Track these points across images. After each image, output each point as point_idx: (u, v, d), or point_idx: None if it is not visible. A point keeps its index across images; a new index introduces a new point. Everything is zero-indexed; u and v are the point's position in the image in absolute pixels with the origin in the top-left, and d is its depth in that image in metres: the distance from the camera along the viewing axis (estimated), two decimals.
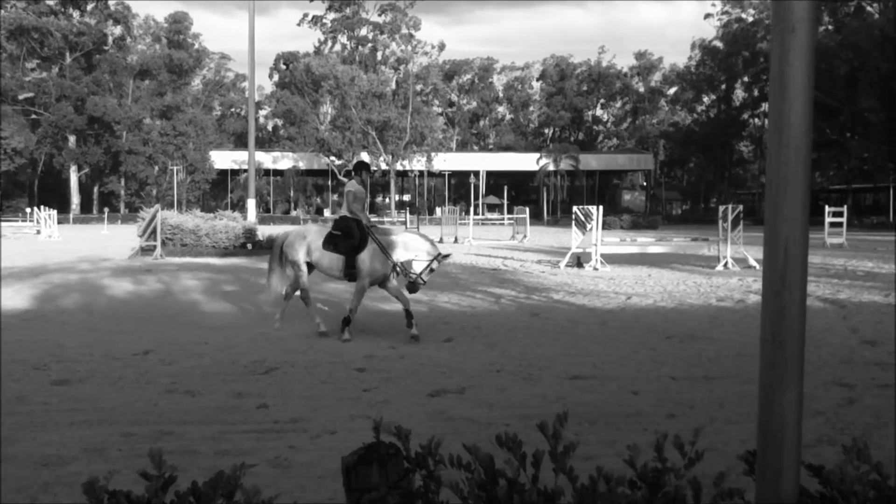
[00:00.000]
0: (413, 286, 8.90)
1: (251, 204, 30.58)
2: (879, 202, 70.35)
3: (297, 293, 9.66)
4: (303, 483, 3.96)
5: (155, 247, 21.27)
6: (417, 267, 8.85)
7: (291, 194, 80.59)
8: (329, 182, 78.17)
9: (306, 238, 9.35)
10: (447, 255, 9.37)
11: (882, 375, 6.83)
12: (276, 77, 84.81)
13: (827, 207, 30.49)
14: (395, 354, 7.80)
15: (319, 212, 74.54)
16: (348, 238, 8.98)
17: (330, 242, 9.13)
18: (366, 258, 8.91)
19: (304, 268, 9.36)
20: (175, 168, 69.96)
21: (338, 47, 78.02)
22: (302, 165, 76.36)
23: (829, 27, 63.78)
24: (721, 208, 19.97)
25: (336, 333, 9.01)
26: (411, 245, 8.97)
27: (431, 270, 8.98)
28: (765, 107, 77.95)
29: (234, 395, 6.00)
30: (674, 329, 9.59)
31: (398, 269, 8.99)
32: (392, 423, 2.04)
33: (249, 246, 23.37)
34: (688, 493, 1.47)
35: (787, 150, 1.46)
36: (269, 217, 62.83)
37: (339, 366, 7.19)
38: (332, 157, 71.88)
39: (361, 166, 9.55)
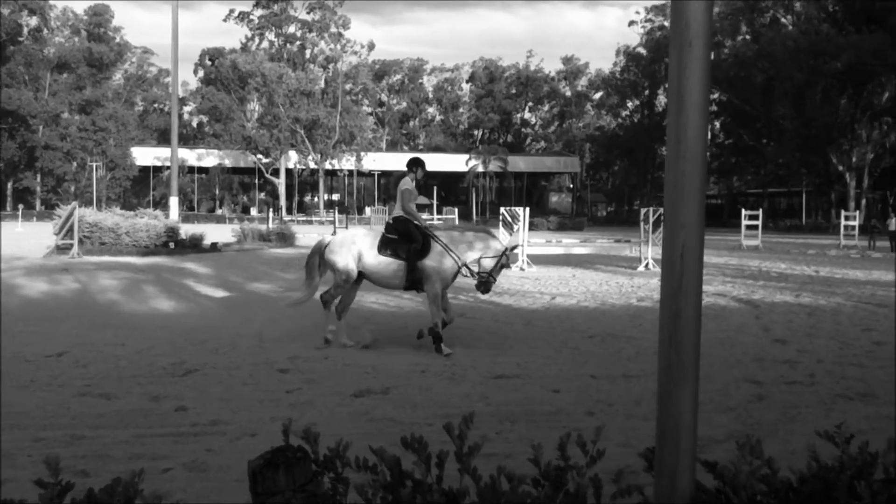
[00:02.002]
0: (485, 285, 8.31)
1: (174, 202, 29.86)
2: (793, 206, 73.33)
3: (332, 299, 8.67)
4: (218, 486, 3.90)
5: (72, 245, 20.53)
6: (487, 265, 8.24)
7: (217, 192, 78.94)
8: (256, 180, 76.85)
9: (356, 243, 8.39)
10: (515, 246, 8.81)
11: (790, 373, 7.13)
12: (201, 73, 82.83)
13: (744, 211, 31.61)
14: (319, 355, 7.74)
15: (246, 210, 73.19)
16: (409, 241, 8.15)
17: (387, 247, 8.25)
18: (433, 262, 8.12)
19: (355, 276, 8.40)
20: (94, 164, 67.60)
21: (265, 44, 76.69)
22: (228, 163, 74.85)
23: (747, 37, 66.19)
24: (643, 211, 20.51)
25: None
26: (477, 243, 8.30)
27: (503, 266, 8.41)
28: None
29: (150, 397, 5.86)
30: (596, 328, 9.80)
31: (466, 269, 8.29)
32: (311, 425, 2.03)
33: (172, 245, 22.82)
34: (589, 491, 1.52)
35: (684, 161, 1.53)
36: (193, 215, 61.37)
37: (261, 367, 7.09)
38: (259, 156, 70.71)
39: (417, 163, 8.71)
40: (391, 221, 8.50)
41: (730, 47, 67.62)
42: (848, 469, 1.57)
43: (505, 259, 8.35)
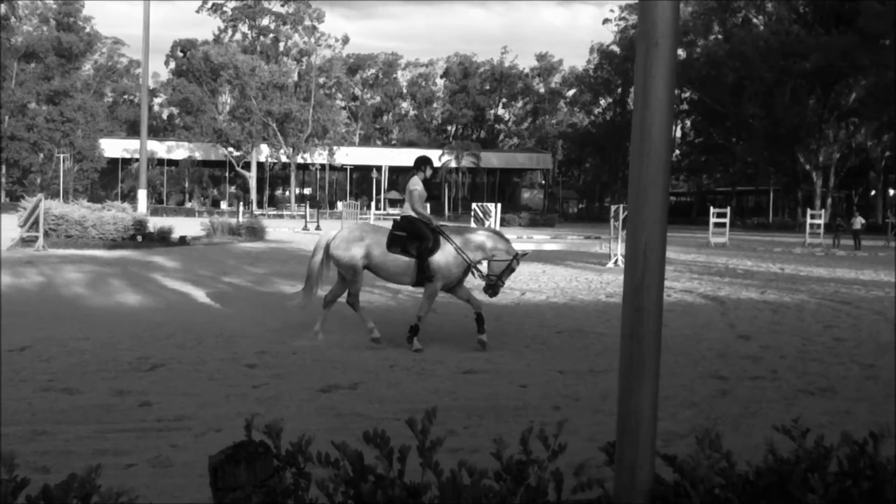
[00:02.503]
0: (493, 289, 8.29)
1: (142, 195, 29.54)
2: (761, 204, 74.38)
3: (341, 298, 8.58)
4: (182, 483, 3.87)
5: (37, 238, 20.18)
6: (496, 267, 8.21)
7: (186, 185, 78.10)
8: (226, 173, 76.17)
9: (364, 239, 8.23)
10: (526, 253, 8.69)
11: (754, 368, 7.24)
12: (172, 64, 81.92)
13: (712, 209, 32.00)
14: (287, 350, 7.70)
15: (216, 204, 72.48)
16: (420, 240, 8.05)
17: (396, 244, 8.11)
18: (441, 261, 8.03)
19: (362, 272, 8.30)
20: (62, 156, 66.44)
21: (238, 36, 75.93)
22: (198, 156, 74.10)
23: (719, 36, 66.93)
24: (613, 208, 20.67)
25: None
26: (488, 245, 8.18)
27: (512, 270, 8.35)
28: None
29: (114, 392, 5.79)
30: (564, 324, 9.87)
31: (475, 271, 8.23)
32: (277, 420, 2.01)
33: (139, 238, 22.55)
34: (550, 485, 1.53)
35: (648, 159, 1.54)
36: (161, 208, 60.67)
37: (228, 362, 7.04)
38: (231, 149, 70.03)
39: (425, 161, 8.58)
40: (398, 220, 8.38)
41: (702, 46, 68.36)
42: (803, 462, 1.60)
43: (515, 263, 8.29)
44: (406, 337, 7.99)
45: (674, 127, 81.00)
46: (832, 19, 54.60)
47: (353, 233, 8.44)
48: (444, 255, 8.06)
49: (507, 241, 8.42)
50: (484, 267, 8.48)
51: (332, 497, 1.39)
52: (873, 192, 67.28)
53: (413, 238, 8.09)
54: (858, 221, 32.38)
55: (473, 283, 9.13)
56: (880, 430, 1.69)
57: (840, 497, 1.52)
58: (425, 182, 8.48)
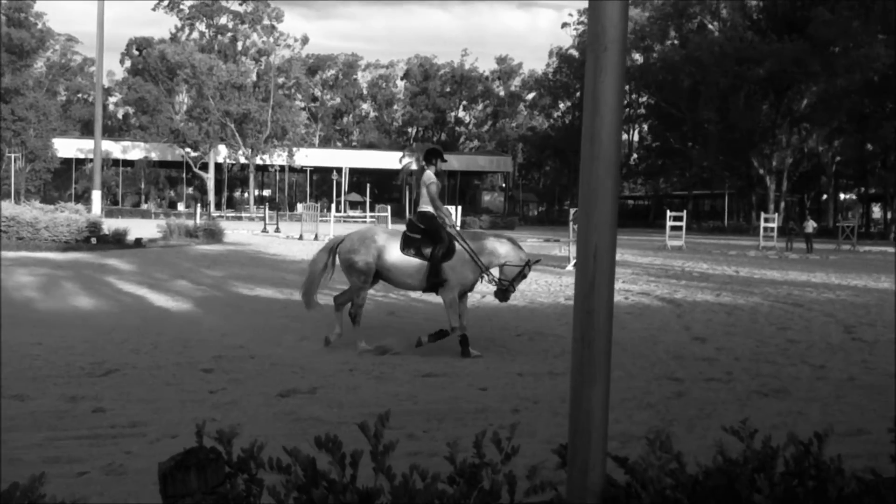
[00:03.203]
0: (504, 294, 8.12)
1: (97, 196, 28.98)
2: (716, 207, 75.68)
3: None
4: (136, 490, 3.80)
5: None
6: (509, 273, 8.05)
7: (142, 186, 76.80)
8: (184, 175, 75.07)
9: (376, 241, 7.95)
10: (538, 260, 8.57)
11: (709, 370, 7.36)
12: (128, 63, 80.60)
13: (668, 212, 32.47)
14: (244, 354, 7.62)
15: (173, 205, 71.39)
16: (436, 241, 7.78)
17: (410, 246, 7.84)
18: (456, 266, 7.80)
19: (373, 275, 8.00)
20: (13, 155, 64.84)
21: (196, 35, 74.96)
22: (154, 156, 72.90)
23: (675, 42, 68.00)
24: (572, 211, 20.85)
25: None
26: (500, 251, 8.04)
27: (524, 276, 8.25)
28: None
29: (67, 398, 5.66)
30: (524, 326, 9.92)
31: (488, 276, 8.05)
32: (234, 426, 1.99)
33: (93, 240, 22.13)
34: (503, 487, 1.54)
35: (598, 163, 1.56)
36: (117, 210, 59.61)
37: (184, 367, 6.94)
38: (188, 149, 69.04)
39: (436, 154, 8.33)
40: (414, 218, 8.11)
41: (658, 52, 69.37)
42: (750, 463, 1.64)
43: (527, 269, 8.22)
44: (460, 353, 7.79)
45: (631, 131, 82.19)
46: (784, 27, 55.84)
47: (366, 235, 8.19)
48: (459, 260, 7.85)
49: (520, 247, 8.34)
50: (494, 272, 8.31)
51: (284, 503, 1.38)
52: (825, 197, 68.98)
53: (428, 240, 7.86)
54: (810, 225, 33.14)
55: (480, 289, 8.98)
56: (824, 431, 1.73)
57: (785, 496, 1.55)
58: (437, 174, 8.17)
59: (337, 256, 8.19)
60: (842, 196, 70.77)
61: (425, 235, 7.87)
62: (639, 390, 6.40)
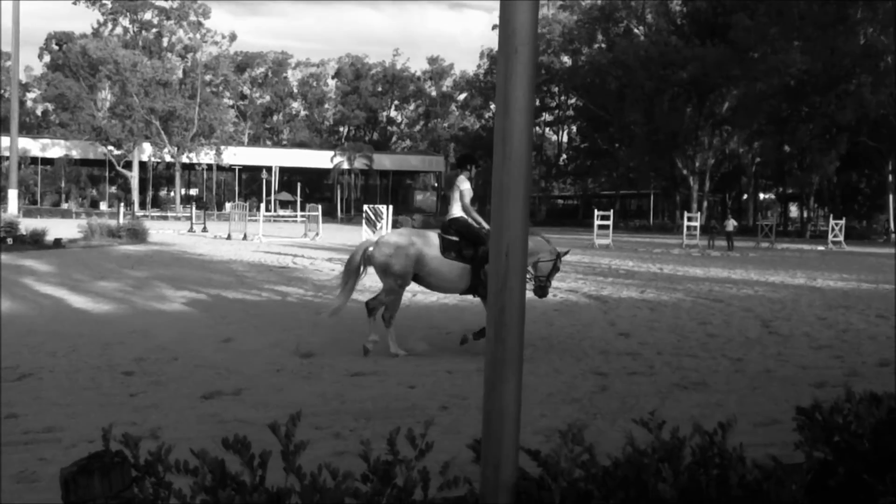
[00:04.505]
0: (543, 291, 8.19)
1: (13, 195, 27.86)
2: (642, 207, 77.50)
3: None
4: (50, 497, 3.67)
5: None
6: (543, 269, 8.09)
7: (63, 185, 74.10)
8: (106, 173, 72.78)
9: (414, 244, 7.78)
10: (566, 252, 8.61)
11: (632, 364, 7.54)
12: (47, 58, 77.68)
13: (597, 211, 33.11)
14: (167, 356, 7.44)
15: (95, 205, 69.15)
16: (476, 245, 7.65)
17: (451, 249, 7.72)
18: None
19: (409, 281, 7.88)
20: None
21: (119, 30, 72.76)
22: (76, 154, 70.47)
23: (603, 45, 69.37)
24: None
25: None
26: (533, 248, 7.91)
27: (557, 270, 8.30)
28: (545, 116, 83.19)
29: None
30: (454, 325, 9.96)
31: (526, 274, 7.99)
32: (155, 429, 1.94)
33: (10, 241, 21.27)
34: (417, 484, 1.55)
35: (510, 163, 1.59)
36: (35, 209, 57.41)
37: (104, 370, 6.73)
38: (111, 147, 66.97)
39: (469, 160, 8.36)
40: (448, 223, 7.98)
41: (586, 55, 70.63)
42: (658, 453, 1.69)
43: (559, 262, 8.25)
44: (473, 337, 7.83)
45: (560, 132, 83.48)
46: (707, 32, 57.57)
47: (401, 237, 8.03)
48: None
49: (550, 241, 8.38)
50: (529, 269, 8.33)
51: None
52: (745, 196, 71.43)
53: (468, 243, 7.77)
54: (731, 224, 34.26)
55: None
56: (727, 420, 1.80)
57: (690, 484, 1.60)
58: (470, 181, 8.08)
59: (371, 260, 8.05)
60: (761, 196, 73.39)
61: (463, 238, 7.82)
62: (565, 385, 6.52)
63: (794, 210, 73.01)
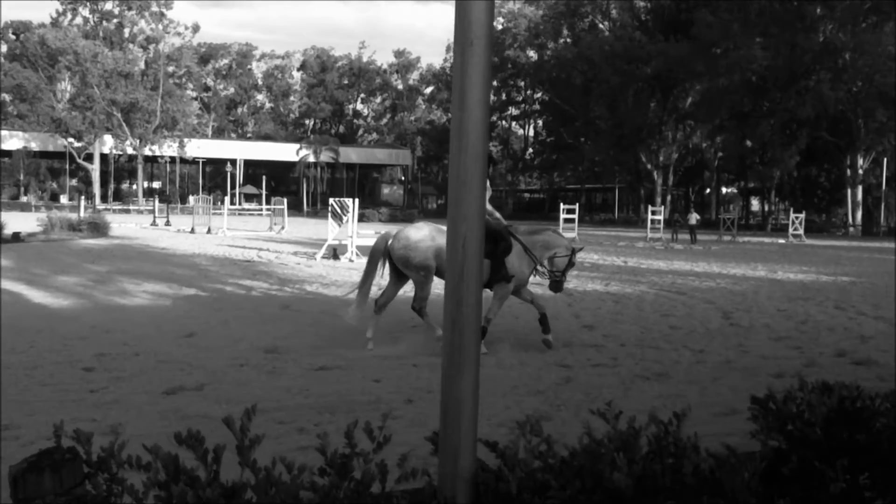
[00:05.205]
0: (558, 285, 8.32)
1: None
2: (608, 201, 78.18)
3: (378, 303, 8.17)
4: (4, 496, 3.61)
5: None
6: (559, 264, 8.20)
7: (21, 178, 72.52)
8: (67, 166, 71.36)
9: (435, 239, 7.85)
10: (581, 248, 8.71)
11: (596, 356, 7.62)
12: (4, 48, 75.84)
13: (562, 205, 33.33)
14: (129, 351, 7.34)
15: (55, 198, 67.82)
16: (496, 240, 7.74)
17: None
18: (515, 261, 7.93)
19: (433, 272, 7.93)
20: None
21: (79, 20, 71.28)
22: (35, 146, 68.93)
23: (568, 40, 69.69)
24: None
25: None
26: (552, 243, 8.23)
27: (572, 265, 8.41)
28: (511, 110, 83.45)
29: None
30: (419, 318, 9.95)
31: (542, 269, 8.19)
32: (116, 425, 1.91)
33: None
34: (375, 477, 1.55)
35: (466, 155, 1.59)
36: None
37: (63, 366, 6.62)
38: (71, 139, 65.64)
39: (488, 160, 8.38)
40: None
41: (552, 49, 70.92)
42: (613, 443, 1.71)
43: (574, 257, 8.37)
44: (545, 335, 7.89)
45: (526, 126, 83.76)
46: (670, 28, 58.14)
47: (421, 232, 8.06)
48: (517, 256, 7.98)
49: (564, 237, 8.53)
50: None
51: (142, 501, 1.35)
52: (708, 190, 72.41)
53: (489, 238, 7.84)
54: (694, 217, 34.72)
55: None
56: (682, 410, 1.82)
57: (644, 473, 1.63)
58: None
59: (391, 253, 8.09)
60: (723, 190, 74.42)
61: (486, 234, 7.80)
62: (529, 377, 6.56)
63: (755, 204, 74.18)
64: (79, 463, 1.44)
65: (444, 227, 7.04)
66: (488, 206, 7.86)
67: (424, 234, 8.02)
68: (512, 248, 7.97)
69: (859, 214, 52.84)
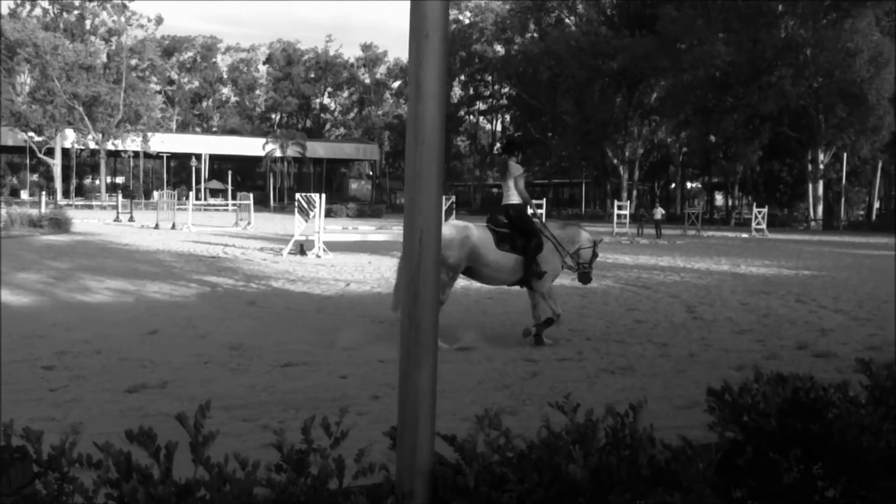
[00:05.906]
0: (586, 276, 8.47)
1: None
2: (575, 196, 78.76)
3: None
4: None
5: None
6: (585, 256, 8.40)
7: None
8: (27, 160, 69.98)
9: (469, 237, 7.68)
10: (602, 239, 9.00)
11: (561, 350, 7.67)
12: None
13: None
14: (90, 349, 7.22)
15: (15, 193, 66.46)
16: (528, 236, 7.76)
17: (506, 241, 7.74)
18: (548, 256, 7.90)
19: (459, 274, 7.84)
20: None
21: (38, 11, 69.88)
22: None
23: (535, 35, 69.96)
24: None
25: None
26: (576, 237, 8.41)
27: (596, 256, 8.59)
28: (479, 105, 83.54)
29: None
30: (387, 314, 9.92)
31: (569, 263, 8.29)
32: (76, 424, 1.87)
33: None
34: (332, 472, 1.54)
35: (422, 147, 1.59)
36: None
37: (22, 364, 6.49)
38: (31, 133, 64.37)
39: (516, 146, 8.40)
40: (502, 213, 7.96)
41: (519, 44, 71.12)
42: (571, 435, 1.72)
43: (598, 249, 8.60)
44: (534, 339, 7.90)
45: (494, 121, 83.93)
46: (636, 23, 58.63)
47: (458, 232, 7.80)
48: (549, 251, 7.98)
49: (586, 230, 8.73)
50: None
51: (92, 500, 1.33)
52: (673, 185, 73.24)
53: (521, 235, 7.82)
54: (659, 212, 35.10)
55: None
56: (638, 402, 1.84)
57: (600, 465, 1.64)
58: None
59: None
60: (688, 185, 75.39)
61: (513, 229, 7.85)
62: (496, 372, 6.58)
63: (719, 199, 75.22)
64: (28, 462, 1.41)
65: (480, 226, 7.03)
66: (528, 197, 8.04)
67: (463, 235, 7.80)
68: (543, 245, 7.95)
69: (820, 209, 53.87)
